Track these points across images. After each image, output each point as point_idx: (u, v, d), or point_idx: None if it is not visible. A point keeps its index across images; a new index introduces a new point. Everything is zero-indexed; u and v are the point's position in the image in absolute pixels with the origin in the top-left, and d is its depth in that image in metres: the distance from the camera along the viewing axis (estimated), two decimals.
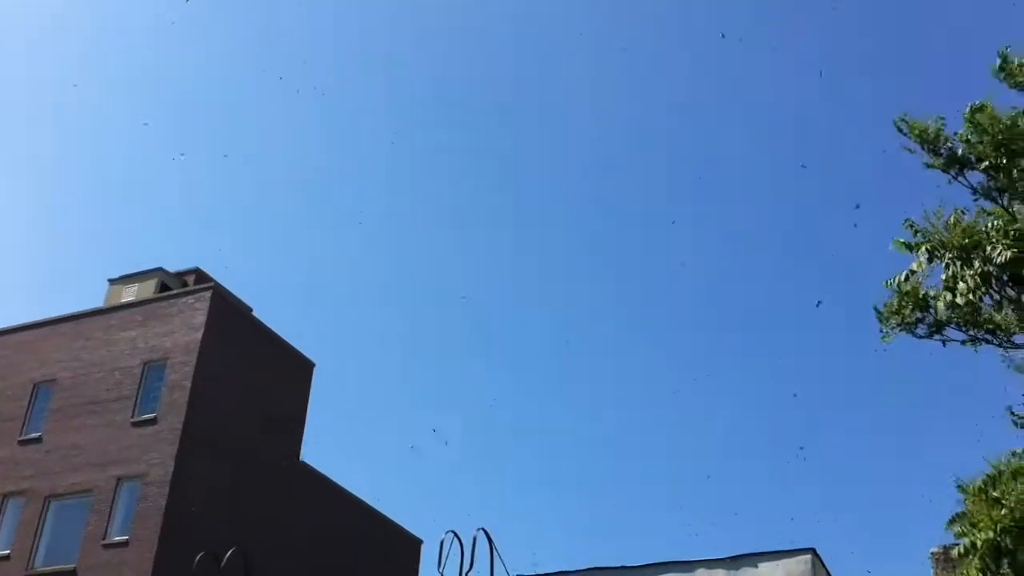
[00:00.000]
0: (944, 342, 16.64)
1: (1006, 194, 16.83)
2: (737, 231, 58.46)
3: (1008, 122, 16.25)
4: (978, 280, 14.89)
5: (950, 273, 15.16)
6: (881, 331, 16.81)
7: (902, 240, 15.73)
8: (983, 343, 16.34)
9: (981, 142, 16.24)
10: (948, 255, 15.11)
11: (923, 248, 15.35)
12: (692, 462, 58.13)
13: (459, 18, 58.96)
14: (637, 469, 58.95)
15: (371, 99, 63.18)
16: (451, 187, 63.56)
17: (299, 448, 31.41)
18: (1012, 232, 15.10)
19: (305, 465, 31.48)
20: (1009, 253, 14.47)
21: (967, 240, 15.06)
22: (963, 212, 15.71)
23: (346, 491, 33.03)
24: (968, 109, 16.47)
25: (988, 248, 14.69)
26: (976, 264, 14.80)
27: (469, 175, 64.49)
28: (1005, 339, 16.35)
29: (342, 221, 63.37)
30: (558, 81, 61.22)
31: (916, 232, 15.70)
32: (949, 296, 15.58)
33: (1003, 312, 15.90)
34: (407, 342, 62.08)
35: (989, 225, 15.20)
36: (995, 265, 14.68)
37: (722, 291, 61.41)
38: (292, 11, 61.82)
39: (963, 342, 16.41)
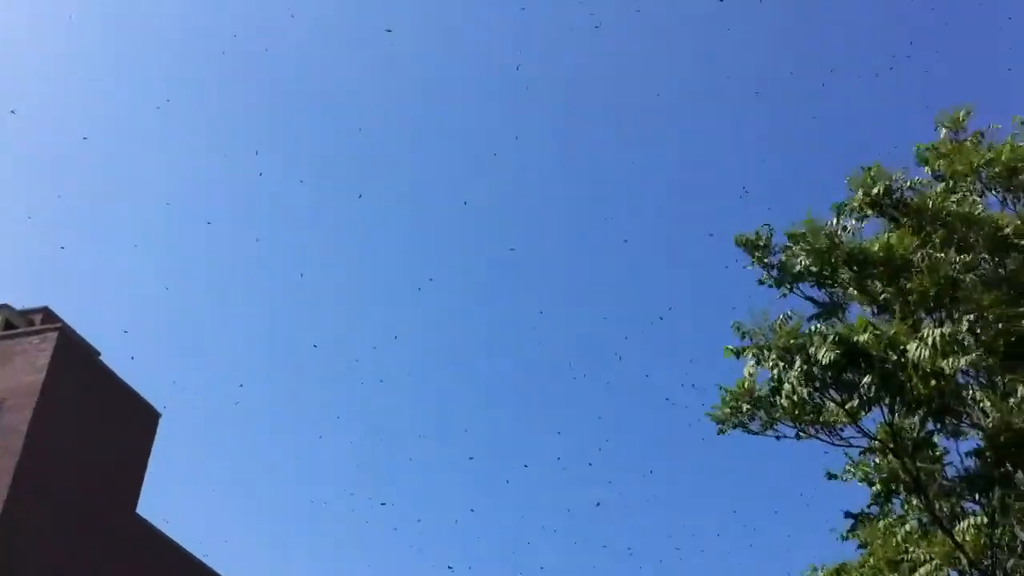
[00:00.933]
0: (777, 437, 17.69)
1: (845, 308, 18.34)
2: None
3: (827, 236, 17.85)
4: (802, 380, 16.04)
5: (775, 374, 16.27)
6: (718, 430, 17.90)
7: (731, 347, 16.85)
8: (812, 438, 17.48)
9: (811, 263, 17.78)
10: (772, 356, 16.20)
11: (750, 353, 16.45)
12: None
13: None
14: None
15: (226, 124, 62.43)
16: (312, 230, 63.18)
17: (136, 500, 30.53)
18: (834, 336, 16.37)
19: (140, 519, 30.58)
20: (831, 355, 15.66)
21: (792, 342, 16.23)
22: (789, 315, 16.95)
23: (180, 547, 32.16)
24: (788, 232, 18.06)
25: (812, 349, 15.85)
26: (798, 364, 15.90)
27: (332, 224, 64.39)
28: (834, 434, 17.52)
29: (199, 265, 62.18)
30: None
31: (744, 335, 16.83)
32: (775, 397, 16.78)
33: (829, 409, 17.11)
34: (263, 398, 60.87)
35: (813, 329, 16.43)
36: (820, 366, 15.83)
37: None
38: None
39: (796, 436, 17.45)
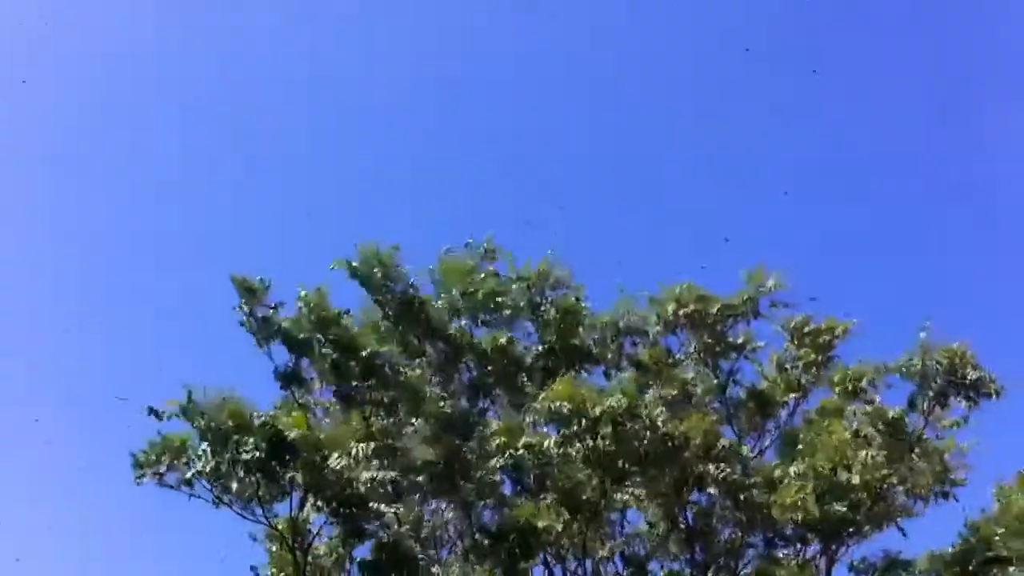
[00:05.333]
0: (191, 496, 17.67)
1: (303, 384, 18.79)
2: None
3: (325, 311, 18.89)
4: (233, 461, 16.17)
5: (208, 448, 16.31)
6: (136, 477, 17.44)
7: (153, 407, 16.53)
8: (227, 506, 17.72)
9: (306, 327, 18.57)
10: (209, 431, 16.36)
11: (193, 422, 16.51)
12: None
13: None
14: None
15: None
16: None
17: None
18: (268, 427, 16.79)
19: None
20: (255, 453, 16.18)
21: (232, 422, 16.42)
22: (233, 391, 16.86)
23: None
24: (301, 296, 18.82)
25: (239, 437, 16.15)
26: (229, 446, 16.13)
27: None
28: (244, 506, 17.91)
29: None
30: None
31: (190, 402, 16.43)
32: (199, 463, 16.75)
33: (247, 485, 17.32)
34: None
35: (254, 413, 16.42)
36: (247, 454, 16.10)
37: None
38: None
39: (211, 501, 17.62)
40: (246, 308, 18.79)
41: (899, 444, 18.98)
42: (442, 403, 19.68)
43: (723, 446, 18.09)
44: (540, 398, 17.43)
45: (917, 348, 19.17)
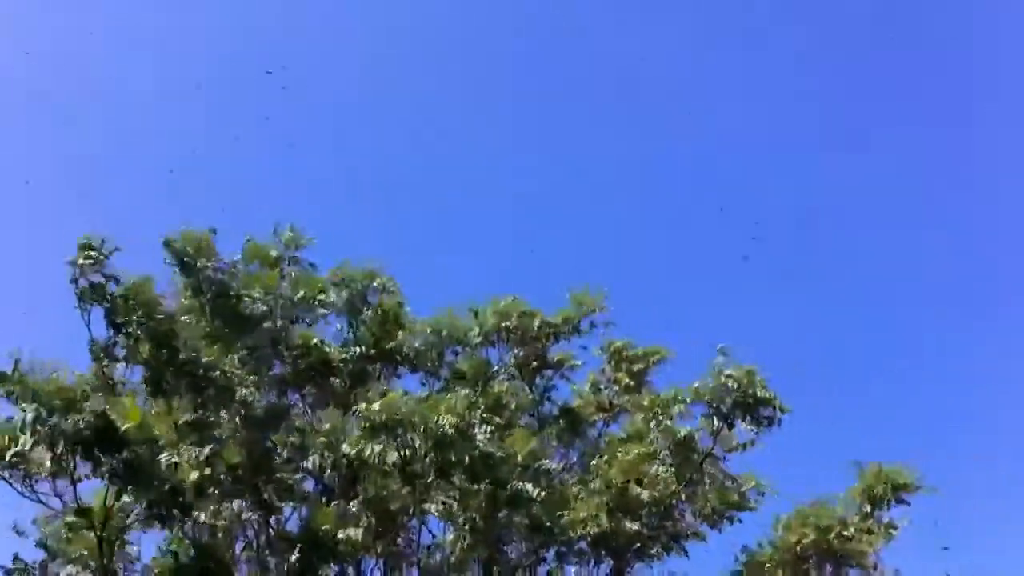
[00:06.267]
0: None
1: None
2: None
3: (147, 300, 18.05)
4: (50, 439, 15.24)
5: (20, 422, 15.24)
6: None
7: None
8: (5, 481, 16.51)
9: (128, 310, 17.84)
10: (32, 405, 15.22)
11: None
12: None
13: None
14: None
15: None
16: None
17: None
18: (91, 415, 15.52)
19: None
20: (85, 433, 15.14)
21: (65, 398, 15.26)
22: (69, 371, 15.94)
23: None
24: (127, 283, 17.91)
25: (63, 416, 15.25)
26: (57, 422, 15.15)
27: None
28: (28, 484, 16.71)
29: None
30: None
31: (15, 371, 15.48)
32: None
33: (32, 460, 16.09)
34: None
35: (83, 391, 15.62)
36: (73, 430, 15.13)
37: None
38: None
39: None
40: (78, 268, 17.57)
41: (689, 464, 19.73)
42: (251, 399, 18.93)
43: (540, 465, 18.32)
44: (366, 407, 16.95)
45: (712, 369, 19.56)
